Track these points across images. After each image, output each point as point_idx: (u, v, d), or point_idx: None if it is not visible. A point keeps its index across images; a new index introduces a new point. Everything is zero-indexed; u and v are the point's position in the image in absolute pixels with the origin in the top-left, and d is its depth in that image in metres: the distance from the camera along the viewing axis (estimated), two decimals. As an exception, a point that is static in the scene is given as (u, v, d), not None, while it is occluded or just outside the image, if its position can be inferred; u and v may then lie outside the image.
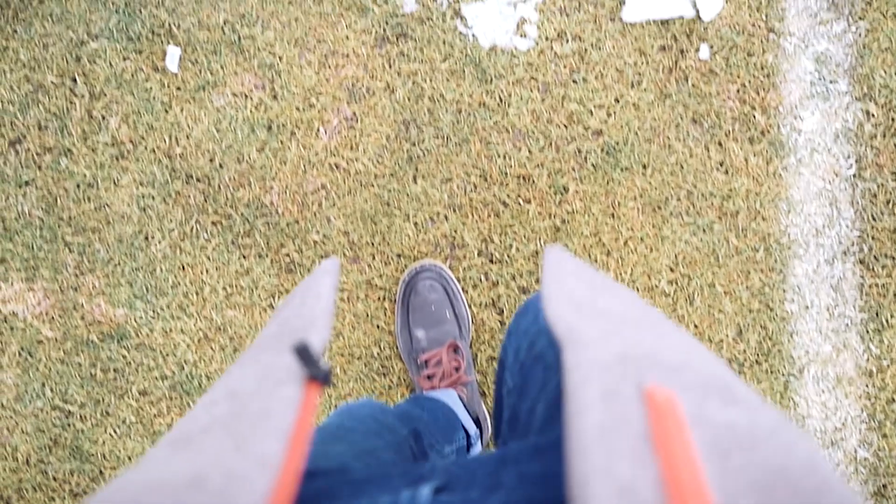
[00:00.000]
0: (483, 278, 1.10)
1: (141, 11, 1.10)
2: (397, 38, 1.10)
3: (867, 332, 1.09)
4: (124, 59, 1.11)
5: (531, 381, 0.52)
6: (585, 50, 1.09)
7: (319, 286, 0.43)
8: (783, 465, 0.25)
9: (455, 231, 1.10)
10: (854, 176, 1.09)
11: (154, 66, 1.11)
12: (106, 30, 1.10)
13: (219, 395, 0.35)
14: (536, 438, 0.45)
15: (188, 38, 1.10)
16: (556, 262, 0.45)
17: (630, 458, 0.25)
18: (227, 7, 1.10)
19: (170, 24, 1.10)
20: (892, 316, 1.08)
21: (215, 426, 0.31)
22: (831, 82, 1.09)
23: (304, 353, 0.34)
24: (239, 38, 1.10)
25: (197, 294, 1.11)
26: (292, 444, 0.30)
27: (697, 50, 1.09)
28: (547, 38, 1.09)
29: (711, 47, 1.09)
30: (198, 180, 1.11)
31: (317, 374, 0.34)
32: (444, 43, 1.09)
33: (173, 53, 1.10)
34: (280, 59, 1.10)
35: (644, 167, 1.09)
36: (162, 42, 1.10)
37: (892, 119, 1.08)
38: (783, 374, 1.10)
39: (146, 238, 1.11)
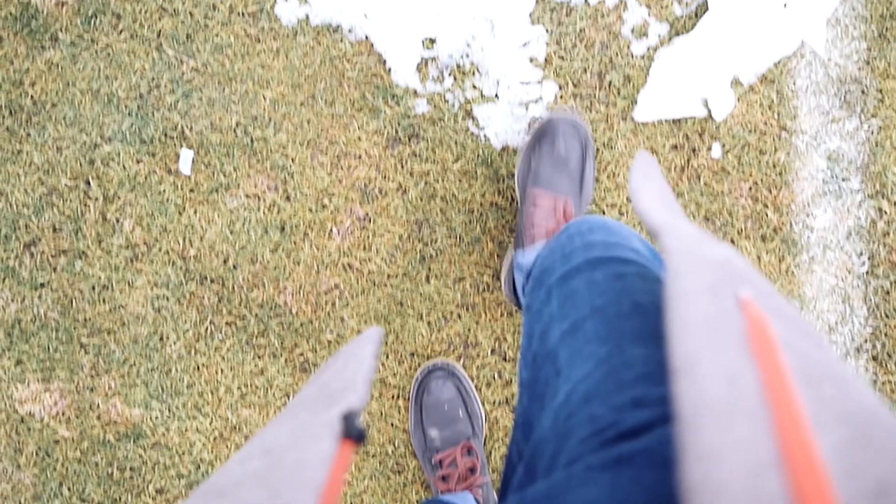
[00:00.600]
0: (496, 376, 1.11)
1: (154, 114, 1.11)
2: (409, 139, 1.10)
3: (880, 428, 1.09)
4: (138, 161, 1.11)
5: (541, 381, 0.51)
6: (598, 150, 1.09)
7: (362, 351, 0.43)
8: (875, 406, 0.25)
9: (468, 330, 1.10)
10: (867, 273, 1.09)
11: (167, 168, 1.11)
12: (119, 133, 1.11)
13: (253, 449, 0.35)
14: (546, 484, 0.44)
15: (201, 141, 1.10)
16: (647, 165, 0.44)
17: (733, 351, 0.26)
18: (239, 109, 1.10)
19: (182, 127, 1.11)
20: (905, 413, 1.09)
21: (249, 479, 0.32)
22: (843, 180, 1.09)
23: (348, 416, 0.35)
24: (251, 141, 1.10)
25: (212, 394, 1.12)
26: (324, 497, 0.30)
27: (709, 149, 1.09)
28: (559, 138, 1.09)
29: (723, 146, 1.09)
30: (212, 281, 1.11)
31: (353, 431, 0.34)
32: (456, 143, 1.10)
33: (186, 156, 1.10)
34: (292, 160, 1.10)
35: (656, 266, 1.09)
36: (175, 145, 1.11)
37: (905, 217, 1.08)
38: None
39: (161, 339, 1.12)
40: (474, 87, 1.09)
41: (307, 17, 1.09)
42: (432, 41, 1.09)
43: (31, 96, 1.11)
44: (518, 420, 0.54)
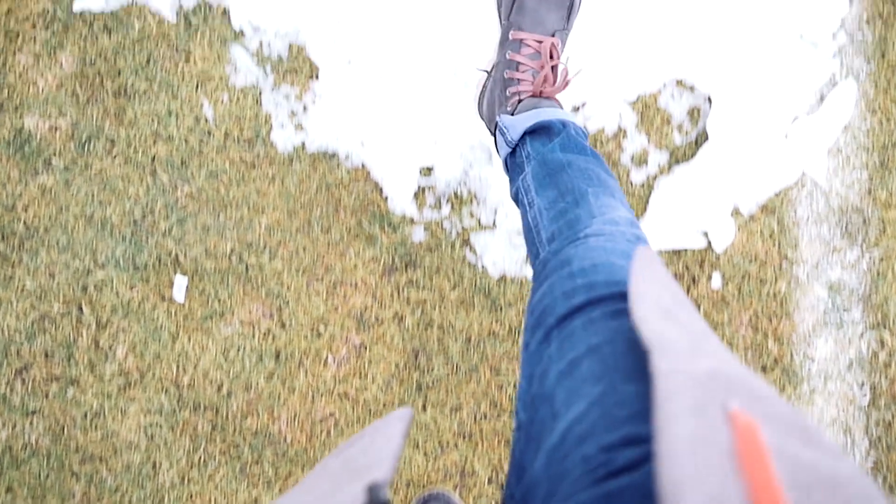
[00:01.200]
0: (493, 506, 1.09)
1: (148, 240, 1.09)
2: (406, 267, 1.09)
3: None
4: (131, 288, 1.10)
5: (537, 422, 0.51)
6: (596, 279, 1.08)
7: (391, 429, 0.43)
8: None
9: (465, 459, 1.09)
10: (868, 405, 1.08)
11: (161, 295, 1.10)
12: (112, 259, 1.09)
13: None
14: None
15: (195, 267, 1.09)
16: (647, 264, 0.46)
17: (719, 472, 0.26)
18: (234, 236, 1.09)
19: (177, 253, 1.09)
20: (907, 547, 1.07)
21: None
22: (845, 310, 1.08)
23: (373, 487, 0.35)
24: (246, 268, 1.09)
25: (205, 522, 1.11)
26: None
27: (709, 278, 1.08)
28: (557, 267, 1.08)
29: (724, 275, 1.08)
30: (206, 409, 1.10)
31: (377, 501, 0.34)
32: (453, 272, 1.09)
33: (180, 283, 1.09)
34: (288, 288, 1.09)
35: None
36: (169, 271, 1.09)
37: (907, 348, 1.07)
38: None
39: (154, 467, 1.10)
40: (472, 215, 1.08)
41: (303, 144, 1.08)
42: (429, 169, 1.08)
43: (24, 221, 1.10)
44: (512, 462, 0.54)
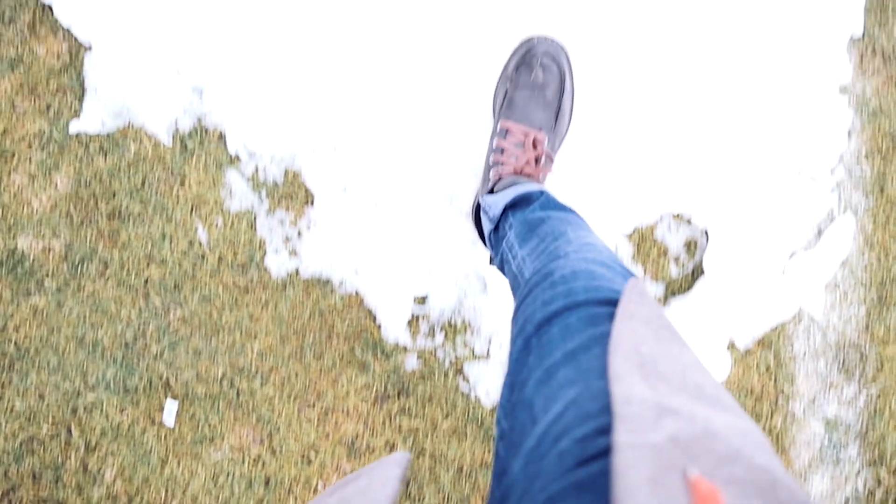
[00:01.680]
0: None
1: (138, 363, 1.09)
2: (398, 395, 1.08)
3: None
4: (121, 411, 1.09)
5: (517, 429, 0.51)
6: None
7: (388, 473, 0.42)
8: None
9: (455, 590, 1.08)
10: (865, 543, 1.07)
11: (151, 418, 1.09)
12: (103, 381, 1.09)
13: None
14: None
15: (186, 392, 1.08)
16: (635, 299, 0.46)
17: None
18: (225, 360, 1.08)
19: (168, 377, 1.08)
20: None
21: None
22: (841, 447, 1.07)
23: None
24: (237, 393, 1.08)
25: None
26: None
27: (704, 412, 1.07)
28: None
29: (719, 409, 1.07)
30: (193, 534, 1.09)
31: None
32: (446, 401, 1.08)
33: (171, 407, 1.08)
34: (279, 414, 1.08)
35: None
36: (159, 395, 1.09)
37: (904, 487, 1.06)
38: None
39: (140, 592, 1.09)
40: (465, 344, 1.07)
41: (297, 269, 1.08)
42: (424, 298, 1.07)
43: (15, 342, 1.09)
44: (494, 472, 0.55)
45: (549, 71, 0.98)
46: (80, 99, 1.08)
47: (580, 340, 0.50)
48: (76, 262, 1.08)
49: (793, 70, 1.04)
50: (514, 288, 0.77)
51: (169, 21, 1.05)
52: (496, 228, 0.87)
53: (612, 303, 0.54)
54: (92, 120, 1.07)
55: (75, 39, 1.07)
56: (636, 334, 0.43)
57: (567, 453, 0.41)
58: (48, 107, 1.08)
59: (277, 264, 1.07)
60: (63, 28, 1.07)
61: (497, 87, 1.02)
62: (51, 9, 1.07)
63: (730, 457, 0.32)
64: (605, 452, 0.38)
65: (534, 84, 0.97)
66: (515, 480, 0.46)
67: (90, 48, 1.07)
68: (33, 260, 1.09)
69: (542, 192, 0.85)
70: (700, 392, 0.40)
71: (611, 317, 0.52)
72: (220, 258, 1.08)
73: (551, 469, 0.42)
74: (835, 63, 1.04)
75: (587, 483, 0.38)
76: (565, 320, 0.53)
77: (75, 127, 1.07)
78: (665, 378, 0.39)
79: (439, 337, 1.07)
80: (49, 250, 1.09)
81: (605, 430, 0.40)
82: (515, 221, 0.82)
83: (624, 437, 0.34)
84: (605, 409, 0.42)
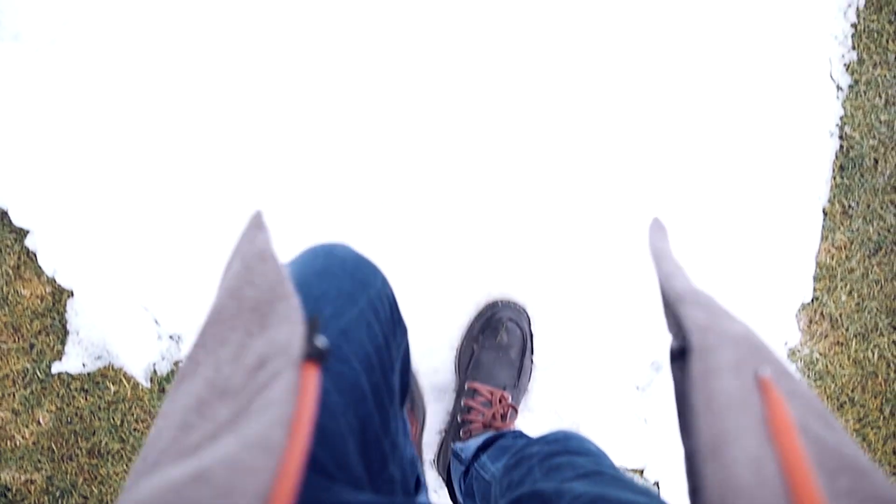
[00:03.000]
0: None
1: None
2: None
3: None
4: None
5: None
6: None
7: (255, 244, 0.39)
8: (890, 498, 0.25)
9: None
10: None
11: None
12: None
13: (206, 393, 0.33)
14: None
15: None
16: (661, 231, 0.45)
17: (757, 435, 0.27)
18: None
19: None
20: None
21: (221, 431, 0.30)
22: None
23: (309, 329, 0.33)
24: None
25: None
26: (294, 432, 0.29)
27: None
28: None
29: None
30: None
31: (313, 352, 0.32)
32: None
33: None
34: None
35: None
36: None
37: None
38: None
39: None
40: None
41: None
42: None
43: (-3, 569, 1.14)
44: None
45: (512, 334, 1.04)
46: (63, 341, 1.12)
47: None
48: (57, 496, 1.13)
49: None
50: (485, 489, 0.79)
51: (148, 274, 1.10)
52: (466, 472, 0.90)
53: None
54: (73, 361, 1.12)
55: (58, 285, 1.11)
56: (673, 258, 0.42)
57: None
58: (31, 346, 1.13)
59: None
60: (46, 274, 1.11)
61: (462, 346, 1.07)
62: (35, 255, 1.11)
63: (790, 373, 0.32)
64: None
65: (499, 346, 1.03)
66: None
67: (72, 294, 1.11)
68: (15, 492, 1.13)
69: (515, 431, 0.90)
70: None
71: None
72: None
73: None
74: (783, 327, 1.09)
75: None
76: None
77: (57, 367, 1.12)
78: (710, 297, 0.38)
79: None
80: (31, 483, 1.13)
81: None
82: (490, 452, 0.85)
83: (704, 318, 0.33)
84: None
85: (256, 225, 0.41)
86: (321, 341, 0.33)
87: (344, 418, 0.44)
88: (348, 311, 0.49)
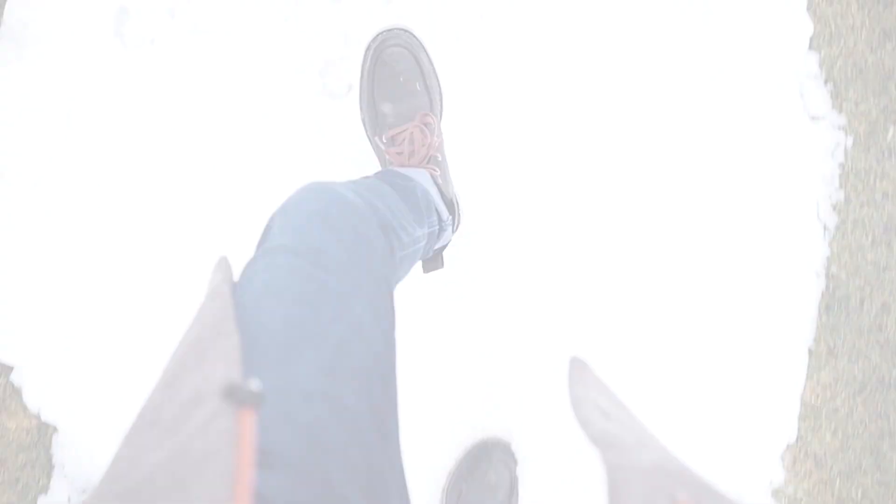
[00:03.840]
0: None
1: None
2: None
3: None
4: None
5: None
6: None
7: (210, 284, 0.40)
8: None
9: None
10: None
11: None
12: None
13: (136, 420, 0.33)
14: None
15: None
16: (581, 372, 0.48)
17: None
18: None
19: None
20: None
21: (159, 474, 0.31)
22: None
23: (231, 387, 0.32)
24: None
25: None
26: (236, 485, 0.29)
27: None
28: None
29: None
30: None
31: (246, 398, 0.32)
32: None
33: None
34: None
35: None
36: None
37: None
38: None
39: None
40: None
41: None
42: None
43: None
44: None
45: (501, 471, 1.04)
46: (48, 475, 1.12)
47: None
48: None
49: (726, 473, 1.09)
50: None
51: (133, 409, 1.09)
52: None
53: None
54: (59, 495, 1.12)
55: (43, 421, 1.11)
56: (591, 394, 0.44)
57: None
58: (17, 480, 1.12)
59: None
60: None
61: (449, 486, 1.07)
62: (20, 390, 1.11)
63: (710, 487, 0.34)
64: None
65: (487, 484, 1.03)
66: None
67: (56, 429, 1.11)
68: None
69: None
70: (662, 446, 0.42)
71: None
72: None
73: None
74: (768, 467, 1.10)
75: None
76: None
77: (43, 501, 1.12)
78: (629, 426, 0.41)
79: None
80: None
81: None
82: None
83: (614, 459, 0.35)
84: None
85: (218, 268, 0.42)
86: (255, 385, 0.32)
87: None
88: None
